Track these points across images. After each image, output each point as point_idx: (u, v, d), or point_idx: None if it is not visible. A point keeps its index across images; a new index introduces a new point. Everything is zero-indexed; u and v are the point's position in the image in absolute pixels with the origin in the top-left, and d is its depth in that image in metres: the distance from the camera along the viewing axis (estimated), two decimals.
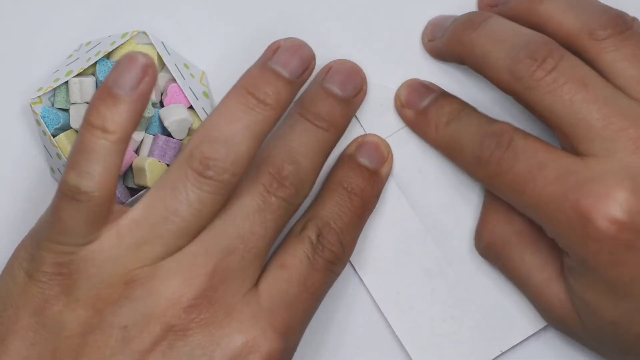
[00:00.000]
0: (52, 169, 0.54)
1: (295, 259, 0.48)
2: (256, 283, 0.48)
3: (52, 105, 0.53)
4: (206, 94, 0.54)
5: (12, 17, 0.54)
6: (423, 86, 0.53)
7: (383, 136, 0.53)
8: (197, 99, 0.52)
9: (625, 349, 0.48)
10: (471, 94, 0.53)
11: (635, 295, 0.46)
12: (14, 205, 0.54)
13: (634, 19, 0.48)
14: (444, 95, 0.52)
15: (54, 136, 0.52)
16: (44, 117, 0.52)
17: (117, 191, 0.51)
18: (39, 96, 0.52)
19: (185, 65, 0.53)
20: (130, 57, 0.46)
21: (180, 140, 0.52)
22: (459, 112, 0.51)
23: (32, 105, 0.52)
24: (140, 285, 0.46)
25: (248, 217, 0.47)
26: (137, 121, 0.46)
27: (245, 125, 0.47)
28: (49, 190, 0.54)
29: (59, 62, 0.54)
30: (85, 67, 0.52)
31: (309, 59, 0.49)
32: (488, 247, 0.51)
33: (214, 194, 0.46)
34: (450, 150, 0.51)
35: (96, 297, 0.46)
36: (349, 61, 0.53)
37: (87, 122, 0.46)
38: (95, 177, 0.45)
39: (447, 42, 0.51)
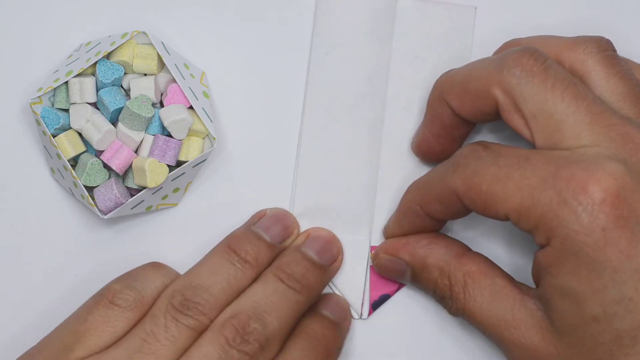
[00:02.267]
0: (52, 169, 0.54)
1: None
2: None
3: (52, 105, 0.53)
4: (206, 94, 0.54)
5: (12, 17, 0.55)
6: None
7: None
8: (197, 99, 0.52)
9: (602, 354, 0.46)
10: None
11: (622, 284, 0.44)
12: (14, 205, 0.54)
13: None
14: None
15: (54, 136, 0.52)
16: (44, 117, 0.52)
17: (117, 191, 0.51)
18: (39, 96, 0.52)
19: (185, 65, 0.53)
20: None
21: (180, 140, 0.52)
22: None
23: (32, 105, 0.52)
24: None
25: None
26: None
27: (225, 278, 0.50)
28: (49, 190, 0.54)
29: (59, 62, 0.54)
30: (85, 67, 0.52)
31: (292, 227, 0.53)
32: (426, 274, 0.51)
33: (190, 329, 0.48)
34: (421, 192, 0.50)
35: None
36: (326, 230, 0.54)
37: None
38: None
39: (427, 105, 0.52)
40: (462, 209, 0.48)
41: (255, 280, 0.50)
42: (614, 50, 0.49)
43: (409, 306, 0.54)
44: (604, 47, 0.49)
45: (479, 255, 0.50)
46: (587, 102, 0.46)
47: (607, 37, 0.50)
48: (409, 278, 0.52)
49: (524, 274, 0.52)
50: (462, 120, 0.50)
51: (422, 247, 0.51)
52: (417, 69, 0.54)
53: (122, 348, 0.48)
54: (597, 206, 0.44)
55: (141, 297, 0.49)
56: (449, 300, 0.50)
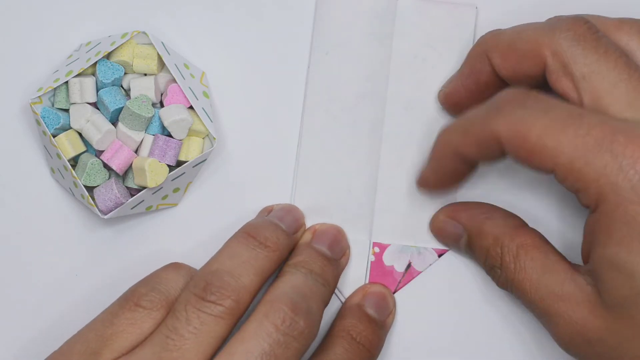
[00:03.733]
0: (52, 169, 0.54)
1: None
2: None
3: (52, 105, 0.53)
4: (206, 94, 0.54)
5: (12, 17, 0.55)
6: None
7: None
8: (197, 99, 0.52)
9: None
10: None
11: None
12: (14, 205, 0.54)
13: None
14: None
15: (54, 136, 0.52)
16: (44, 117, 0.52)
17: (117, 191, 0.51)
18: (39, 96, 0.52)
19: (185, 65, 0.53)
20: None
21: (180, 140, 0.52)
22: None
23: (32, 105, 0.52)
24: None
25: None
26: None
27: (246, 260, 0.49)
28: (49, 190, 0.54)
29: (59, 62, 0.54)
30: (85, 67, 0.52)
31: (302, 219, 0.53)
32: (488, 249, 0.51)
33: (215, 316, 0.47)
34: (452, 136, 0.49)
35: None
36: (330, 224, 0.54)
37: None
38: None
39: (465, 60, 0.52)
40: (499, 154, 0.47)
41: (277, 265, 0.50)
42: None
43: (407, 305, 0.54)
44: (638, 24, 0.48)
45: (534, 230, 0.50)
46: (630, 72, 0.46)
47: None
48: (464, 243, 0.52)
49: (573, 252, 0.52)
50: (500, 80, 0.50)
51: (481, 214, 0.51)
52: (417, 69, 0.54)
53: (147, 347, 0.47)
54: None
55: (166, 297, 0.49)
56: (498, 269, 0.50)
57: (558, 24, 0.47)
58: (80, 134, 0.52)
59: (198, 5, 0.55)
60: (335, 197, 0.54)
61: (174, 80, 0.53)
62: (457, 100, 0.52)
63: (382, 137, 0.54)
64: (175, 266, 0.51)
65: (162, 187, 0.52)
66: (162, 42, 0.53)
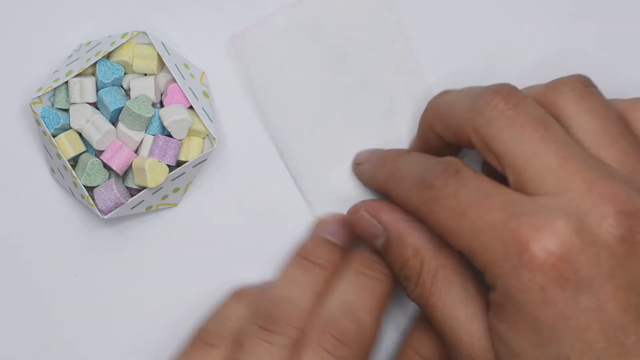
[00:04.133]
0: (52, 169, 0.54)
1: None
2: None
3: (52, 105, 0.53)
4: (206, 94, 0.54)
5: (12, 17, 0.55)
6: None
7: None
8: (197, 99, 0.52)
9: None
10: None
11: (559, 342, 0.43)
12: (14, 205, 0.54)
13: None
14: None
15: (54, 136, 0.52)
16: (44, 117, 0.52)
17: (117, 191, 0.51)
18: (39, 96, 0.52)
19: (185, 65, 0.53)
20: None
21: (180, 140, 0.52)
22: (403, 153, 0.51)
23: (32, 105, 0.52)
24: None
25: None
26: None
27: (304, 284, 0.50)
28: (49, 190, 0.54)
29: (59, 62, 0.54)
30: (85, 67, 0.52)
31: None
32: (405, 267, 0.50)
33: (282, 347, 0.47)
34: (392, 180, 0.50)
35: None
36: (335, 214, 0.54)
37: None
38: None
39: (419, 123, 0.52)
40: None
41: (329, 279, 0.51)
42: (591, 86, 0.48)
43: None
44: (576, 85, 0.48)
45: (460, 254, 0.49)
46: (557, 145, 0.45)
47: (586, 72, 0.49)
48: (380, 245, 0.51)
49: None
50: (449, 143, 0.51)
51: (406, 221, 0.50)
52: (344, 68, 0.54)
53: None
54: (537, 266, 0.43)
55: (231, 331, 0.49)
56: (413, 285, 0.49)
57: (478, 100, 0.47)
58: (80, 134, 0.52)
59: (198, 5, 0.55)
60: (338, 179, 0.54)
61: (174, 80, 0.53)
62: None
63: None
64: (237, 296, 0.51)
65: (162, 187, 0.52)
66: (162, 42, 0.53)
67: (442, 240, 0.48)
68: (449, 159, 0.47)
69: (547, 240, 0.43)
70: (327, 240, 0.52)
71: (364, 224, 0.51)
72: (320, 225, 0.54)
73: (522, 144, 0.46)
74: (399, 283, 0.50)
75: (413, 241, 0.49)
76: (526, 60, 0.55)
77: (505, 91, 0.47)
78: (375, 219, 0.51)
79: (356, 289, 0.50)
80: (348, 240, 0.53)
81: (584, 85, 0.48)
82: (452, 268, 0.48)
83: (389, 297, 0.51)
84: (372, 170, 0.52)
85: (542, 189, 0.45)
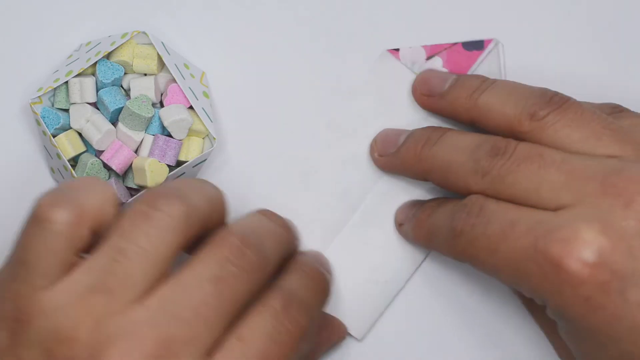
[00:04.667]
0: (52, 169, 0.54)
1: (255, 332, 0.44)
2: (210, 355, 0.43)
3: (52, 105, 0.53)
4: (206, 94, 0.54)
5: (12, 17, 0.54)
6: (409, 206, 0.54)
7: None
8: (197, 99, 0.52)
9: None
10: None
11: (618, 341, 0.44)
12: (14, 205, 0.54)
13: (570, 97, 0.49)
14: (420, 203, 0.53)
15: (54, 136, 0.52)
16: (44, 117, 0.52)
17: (117, 191, 0.51)
18: (39, 96, 0.52)
19: (185, 65, 0.53)
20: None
21: (180, 140, 0.52)
22: (434, 207, 0.52)
23: (32, 105, 0.52)
24: (83, 347, 0.42)
25: (201, 286, 0.43)
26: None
27: (198, 186, 0.46)
28: None
29: (59, 62, 0.54)
30: (85, 67, 0.52)
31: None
32: None
33: (163, 230, 0.44)
34: (431, 238, 0.51)
35: (42, 353, 0.43)
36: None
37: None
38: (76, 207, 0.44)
39: (404, 159, 0.52)
40: None
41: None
42: (559, 99, 0.49)
43: (400, 325, 0.54)
44: (545, 104, 0.48)
45: None
46: (557, 164, 0.46)
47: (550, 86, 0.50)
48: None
49: None
50: None
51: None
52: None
53: (90, 271, 0.43)
54: (576, 279, 0.44)
55: (81, 206, 0.44)
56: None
57: (478, 163, 0.48)
58: (80, 134, 0.52)
59: (198, 5, 0.55)
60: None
61: (174, 80, 0.53)
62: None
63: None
64: (93, 178, 0.47)
65: None
66: (162, 42, 0.53)
67: None
68: (471, 198, 0.48)
69: (577, 252, 0.44)
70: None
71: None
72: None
73: (524, 179, 0.47)
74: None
75: None
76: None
77: (495, 148, 0.48)
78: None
79: (261, 221, 0.47)
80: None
81: (549, 103, 0.48)
82: None
83: (287, 251, 0.48)
84: (413, 233, 0.53)
85: (560, 204, 0.46)
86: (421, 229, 0.52)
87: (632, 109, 0.51)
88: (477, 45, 0.54)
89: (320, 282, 0.49)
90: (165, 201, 0.44)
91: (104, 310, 0.43)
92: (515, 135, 0.49)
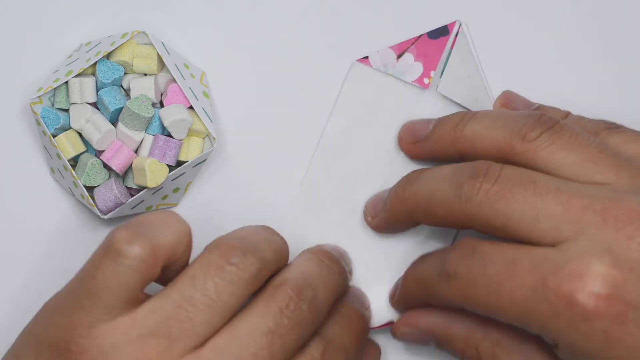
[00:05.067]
0: (52, 169, 0.54)
1: None
2: None
3: (52, 105, 0.53)
4: (206, 94, 0.54)
5: (12, 17, 0.55)
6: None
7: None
8: (197, 99, 0.52)
9: None
10: None
11: None
12: (14, 205, 0.54)
13: (560, 118, 0.49)
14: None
15: (54, 136, 0.52)
16: (44, 117, 0.52)
17: (117, 191, 0.51)
18: (39, 96, 0.52)
19: (185, 65, 0.53)
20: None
21: (180, 140, 0.52)
22: (423, 257, 0.51)
23: (32, 105, 0.52)
24: None
25: (254, 338, 0.44)
26: None
27: (268, 238, 0.47)
28: (49, 190, 0.54)
29: (59, 62, 0.54)
30: (85, 67, 0.52)
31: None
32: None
33: (233, 284, 0.45)
34: (422, 288, 0.50)
35: None
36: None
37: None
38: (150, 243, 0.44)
39: (390, 207, 0.51)
40: None
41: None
42: (550, 122, 0.48)
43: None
44: (537, 127, 0.47)
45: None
46: (552, 193, 0.45)
47: (537, 106, 0.50)
48: (434, 346, 0.51)
49: None
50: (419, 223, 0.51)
51: (443, 317, 0.50)
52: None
53: (157, 313, 0.44)
54: (591, 313, 0.43)
55: (155, 242, 0.45)
56: None
57: (461, 188, 0.47)
58: (80, 134, 0.52)
59: (198, 5, 0.55)
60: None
61: (174, 80, 0.53)
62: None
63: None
64: (168, 212, 0.47)
65: (162, 187, 0.52)
66: (162, 42, 0.53)
67: (483, 318, 0.48)
68: (461, 240, 0.47)
69: (590, 286, 0.43)
70: (337, 250, 0.52)
71: (412, 336, 0.52)
72: (327, 245, 0.53)
73: (519, 208, 0.46)
74: None
75: (458, 332, 0.49)
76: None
77: (483, 171, 0.47)
78: (417, 329, 0.51)
79: (317, 269, 0.48)
80: (347, 267, 0.52)
81: (539, 122, 0.48)
82: (507, 338, 0.49)
83: (340, 294, 0.50)
84: (402, 289, 0.52)
85: (561, 237, 0.45)
86: (410, 283, 0.51)
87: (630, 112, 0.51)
88: (442, 32, 0.54)
89: (360, 325, 0.50)
90: (241, 256, 0.45)
91: (160, 356, 0.43)
92: (506, 161, 0.47)
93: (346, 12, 0.55)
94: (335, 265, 0.49)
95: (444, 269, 0.47)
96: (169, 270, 0.46)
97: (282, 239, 0.48)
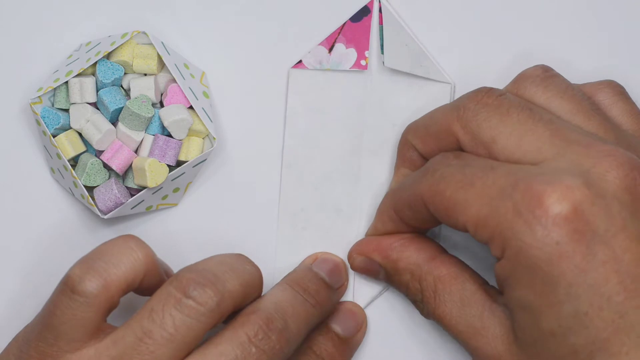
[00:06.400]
0: (52, 169, 0.54)
1: None
2: None
3: (52, 105, 0.53)
4: (206, 94, 0.54)
5: (12, 17, 0.55)
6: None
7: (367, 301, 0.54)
8: (197, 99, 0.52)
9: None
10: None
11: (577, 298, 0.43)
12: (14, 205, 0.54)
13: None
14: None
15: (53, 136, 0.52)
16: (44, 117, 0.52)
17: (117, 191, 0.51)
18: (39, 96, 0.52)
19: (185, 65, 0.53)
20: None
21: (180, 140, 0.52)
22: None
23: (32, 105, 0.52)
24: None
25: None
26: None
27: (236, 268, 0.48)
28: (49, 190, 0.54)
29: (59, 62, 0.54)
30: (85, 67, 0.52)
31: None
32: (403, 275, 0.51)
33: (191, 318, 0.45)
34: (395, 191, 0.51)
35: None
36: (334, 254, 0.54)
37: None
38: (104, 278, 0.45)
39: (401, 142, 0.52)
40: (431, 217, 0.48)
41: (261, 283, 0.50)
42: (552, 72, 0.49)
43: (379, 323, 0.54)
44: (538, 74, 0.49)
45: (451, 257, 0.50)
46: (545, 121, 0.46)
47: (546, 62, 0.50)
48: (382, 277, 0.52)
49: None
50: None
51: (393, 250, 0.51)
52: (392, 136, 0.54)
53: (118, 345, 0.45)
54: (551, 220, 0.43)
55: (106, 278, 0.46)
56: (420, 303, 0.50)
57: (461, 99, 0.48)
58: (80, 134, 0.52)
59: (198, 5, 0.55)
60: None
61: (174, 80, 0.53)
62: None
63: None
64: (125, 238, 0.48)
65: (162, 187, 0.52)
66: (162, 42, 0.53)
67: (431, 253, 0.50)
68: (445, 153, 0.48)
69: (560, 194, 0.44)
70: (320, 277, 0.52)
71: (362, 266, 0.52)
72: (318, 262, 0.53)
73: (510, 126, 0.47)
74: (415, 307, 0.51)
75: (406, 265, 0.50)
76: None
77: (485, 89, 0.48)
78: (368, 258, 0.52)
79: (290, 300, 0.49)
80: (337, 283, 0.53)
81: (544, 73, 0.49)
82: (448, 276, 0.49)
83: (314, 324, 0.50)
84: (377, 214, 0.53)
85: (541, 157, 0.45)
86: (387, 197, 0.52)
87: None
88: (363, 12, 0.54)
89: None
90: (199, 289, 0.46)
91: None
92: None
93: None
94: (310, 298, 0.50)
95: (425, 167, 0.48)
96: (145, 287, 0.47)
97: (254, 267, 0.49)
